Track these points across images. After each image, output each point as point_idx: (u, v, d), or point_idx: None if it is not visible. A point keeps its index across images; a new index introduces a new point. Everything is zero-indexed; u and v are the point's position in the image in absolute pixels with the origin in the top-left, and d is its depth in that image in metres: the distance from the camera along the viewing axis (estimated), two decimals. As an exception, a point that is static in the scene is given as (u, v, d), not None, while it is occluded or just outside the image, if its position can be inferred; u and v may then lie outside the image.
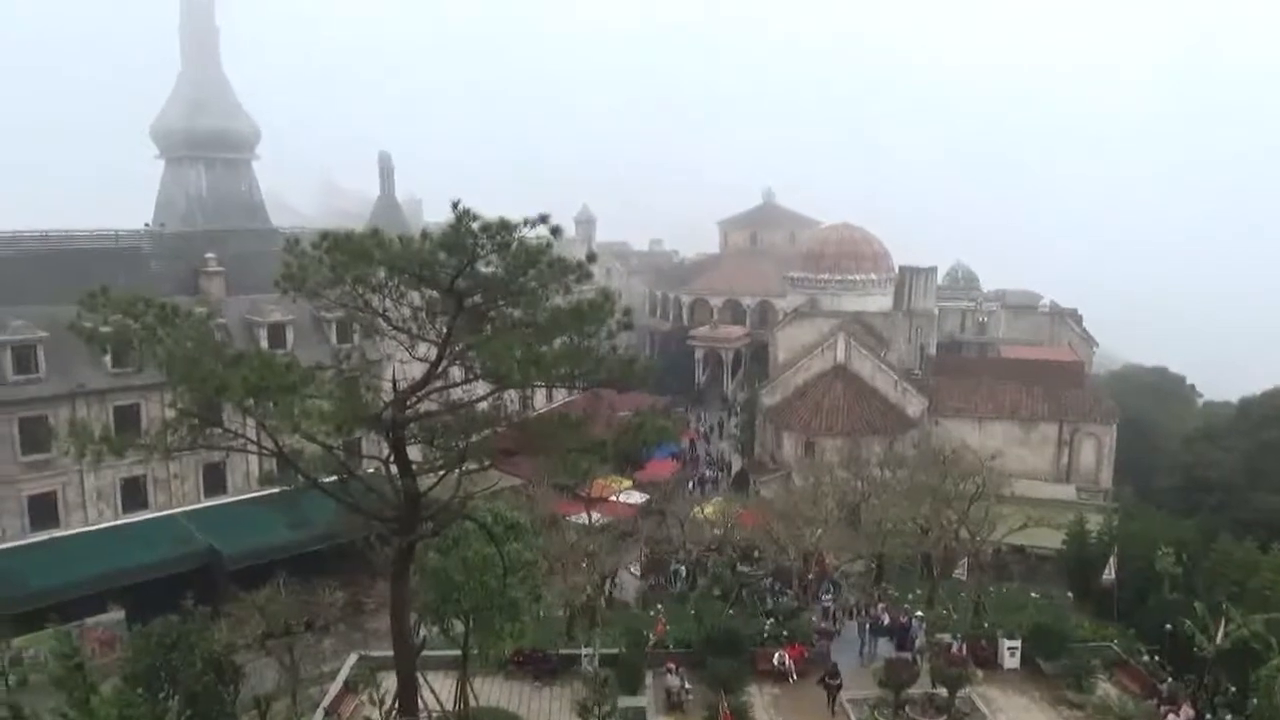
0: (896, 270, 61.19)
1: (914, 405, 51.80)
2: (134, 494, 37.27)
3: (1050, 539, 37.95)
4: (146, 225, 55.72)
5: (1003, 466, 41.52)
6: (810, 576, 36.17)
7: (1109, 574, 32.44)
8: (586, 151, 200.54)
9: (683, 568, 38.99)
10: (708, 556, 38.99)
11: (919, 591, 34.60)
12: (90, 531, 35.83)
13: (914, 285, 59.63)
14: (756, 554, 37.58)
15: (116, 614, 33.03)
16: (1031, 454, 50.44)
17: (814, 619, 32.06)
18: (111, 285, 17.64)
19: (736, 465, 58.39)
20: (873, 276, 59.54)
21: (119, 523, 36.59)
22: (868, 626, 30.64)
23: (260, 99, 66.34)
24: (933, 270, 62.00)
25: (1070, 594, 35.21)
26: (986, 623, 30.81)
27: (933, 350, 60.82)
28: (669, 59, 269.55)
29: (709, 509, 39.93)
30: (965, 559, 35.93)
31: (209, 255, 42.22)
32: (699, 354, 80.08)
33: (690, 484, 52.75)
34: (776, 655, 28.24)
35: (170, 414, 19.36)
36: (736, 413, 69.33)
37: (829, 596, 34.49)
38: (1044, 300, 73.54)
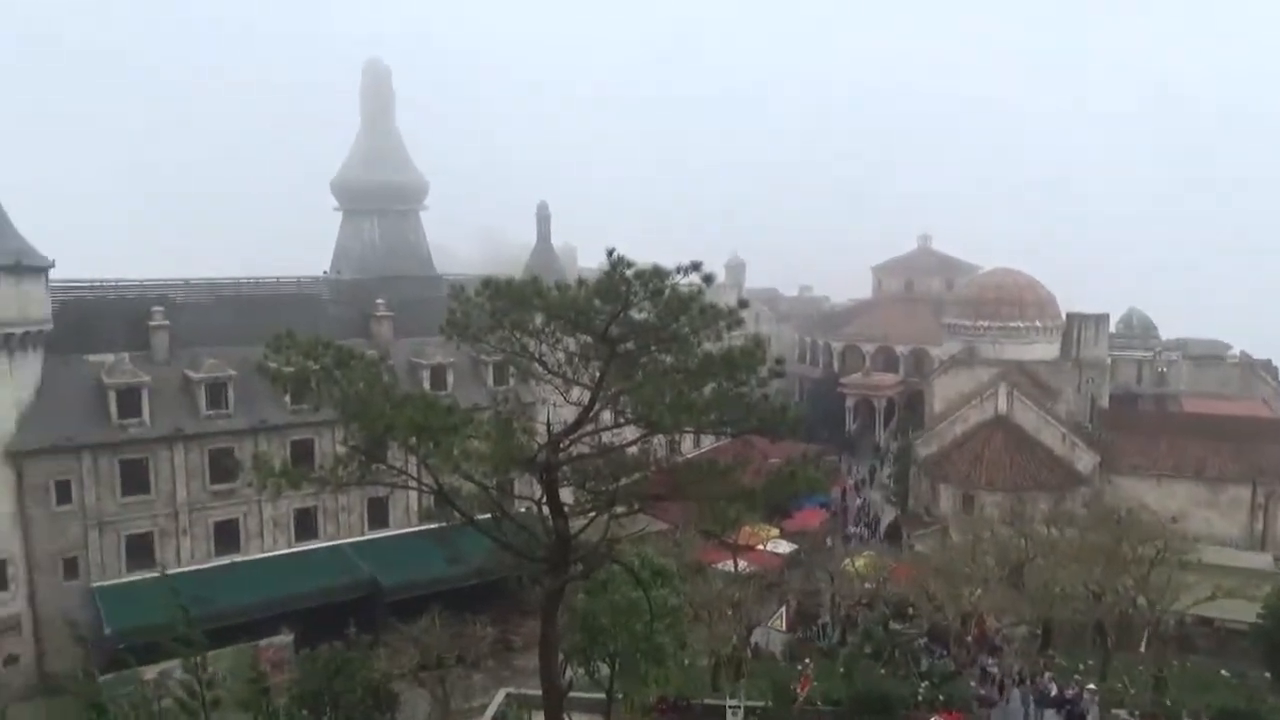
0: (1063, 317, 58.10)
1: (1084, 460, 48.73)
2: (306, 524, 39.67)
3: (1244, 611, 34.51)
4: (325, 272, 59.90)
5: (1186, 530, 38.26)
6: (969, 639, 34.31)
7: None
8: (738, 197, 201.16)
9: (831, 622, 37.81)
10: (858, 611, 37.66)
11: (1090, 662, 32.17)
12: (266, 558, 38.31)
13: (1083, 333, 56.37)
14: (911, 611, 36.00)
15: (287, 637, 34.97)
16: (1220, 517, 46.36)
17: (973, 684, 30.33)
18: (293, 328, 19.00)
19: (889, 517, 56.42)
20: (1037, 324, 56.74)
21: (291, 551, 38.98)
22: (1032, 697, 28.71)
23: (429, 153, 70.37)
24: (1104, 317, 58.50)
25: (1268, 674, 31.85)
26: (1168, 701, 28.25)
27: (1105, 402, 57.18)
28: (816, 108, 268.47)
29: (860, 562, 38.68)
30: (1144, 629, 33.18)
31: (379, 300, 44.82)
32: (850, 402, 78.30)
33: (840, 535, 51.32)
34: (931, 720, 26.88)
35: (341, 450, 20.53)
36: (889, 463, 67.16)
37: (992, 661, 32.57)
38: (1233, 350, 67.94)
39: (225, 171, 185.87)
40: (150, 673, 27.03)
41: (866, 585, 36.78)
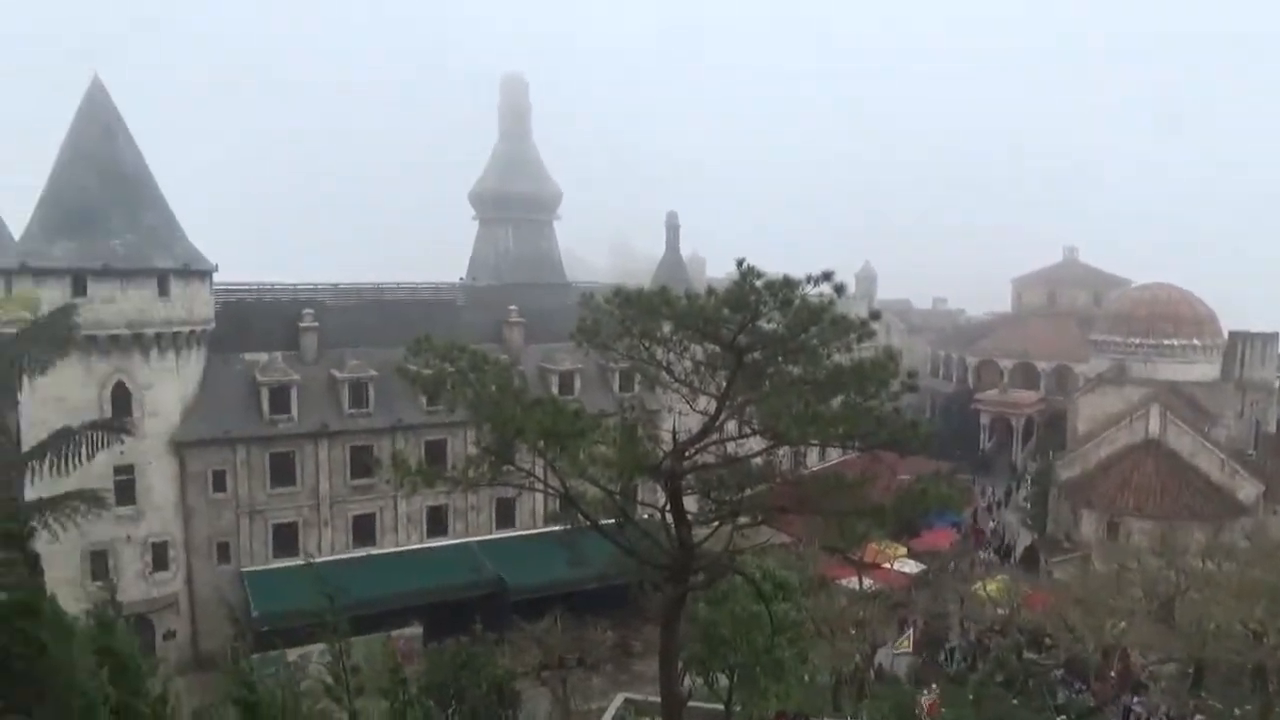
0: (1225, 336, 54.19)
1: (1246, 490, 45.29)
2: (437, 521, 41.11)
3: None
4: (461, 279, 62.02)
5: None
6: (1111, 674, 32.38)
7: None
8: (871, 207, 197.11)
9: (960, 647, 36.40)
10: (989, 638, 36.11)
11: (1248, 708, 29.81)
12: (399, 552, 39.87)
13: (1248, 353, 52.44)
14: (1047, 641, 34.24)
15: (416, 629, 36.26)
16: (1404, 558, 42.14)
17: (1114, 723, 28.63)
18: (431, 332, 19.77)
19: (1025, 541, 53.86)
20: (1194, 342, 53.10)
21: (422, 546, 40.45)
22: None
23: (563, 163, 72.04)
24: (1272, 337, 54.20)
25: None
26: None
27: (1272, 428, 52.96)
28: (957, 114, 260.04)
29: (992, 586, 37.08)
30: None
31: (512, 307, 46.04)
32: (985, 419, 75.27)
33: (971, 557, 49.35)
34: (1068, 758, 25.50)
35: (472, 451, 21.19)
36: (1026, 484, 64.16)
37: (1137, 700, 30.62)
38: None
39: (373, 183, 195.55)
40: (293, 655, 28.62)
41: (999, 611, 35.23)
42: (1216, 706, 30.03)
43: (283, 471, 38.29)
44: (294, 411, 38.44)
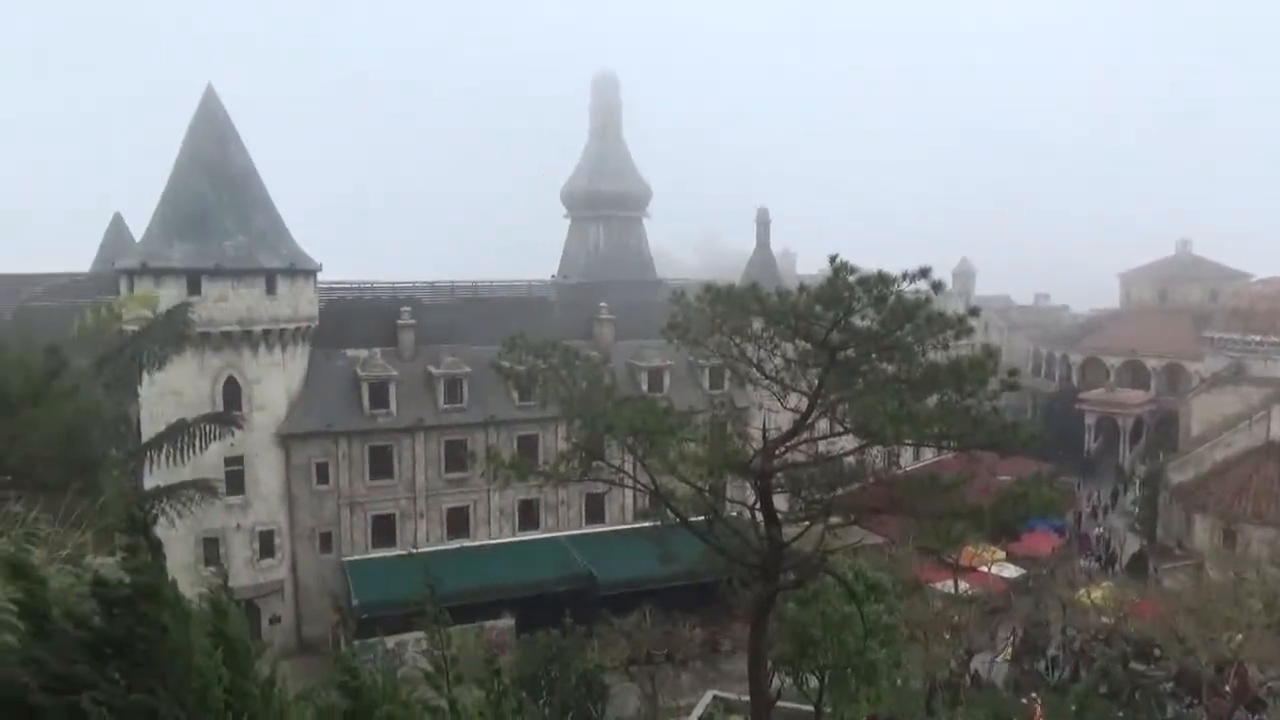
0: (1356, 333, 50.82)
1: (1378, 498, 42.37)
2: (528, 515, 41.79)
3: None
4: (553, 277, 62.82)
5: None
6: (1226, 688, 30.74)
7: None
8: (969, 204, 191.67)
9: (1061, 656, 35.10)
10: (1093, 647, 34.70)
11: (1381, 730, 27.95)
12: (491, 545, 40.68)
13: (1381, 352, 49.12)
14: (1156, 652, 32.74)
15: (508, 621, 36.93)
16: None
17: (1230, 741, 27.18)
18: (523, 329, 20.11)
19: (1132, 548, 51.59)
20: (1321, 340, 49.99)
21: (514, 540, 41.16)
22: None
23: (652, 161, 72.27)
24: None
25: None
26: None
27: None
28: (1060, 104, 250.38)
29: (1097, 593, 35.63)
30: None
31: (602, 304, 46.41)
32: (1090, 420, 72.35)
33: (1074, 563, 47.52)
34: (1179, 775, 24.33)
35: (564, 446, 21.44)
36: (1134, 488, 61.44)
37: (1254, 718, 29.02)
38: None
39: (469, 182, 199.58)
40: (390, 642, 29.47)
41: (1104, 619, 33.81)
42: (1345, 727, 28.24)
43: (381, 464, 39.50)
44: (392, 406, 39.58)
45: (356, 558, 38.36)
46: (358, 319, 42.09)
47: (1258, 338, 50.91)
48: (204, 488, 25.38)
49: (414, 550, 33.53)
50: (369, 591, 34.67)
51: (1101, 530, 56.10)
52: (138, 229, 41.43)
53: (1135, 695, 30.11)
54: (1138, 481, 60.77)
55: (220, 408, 34.36)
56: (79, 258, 52.48)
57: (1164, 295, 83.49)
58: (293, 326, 37.61)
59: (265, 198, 38.54)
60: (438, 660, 3.57)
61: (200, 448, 27.42)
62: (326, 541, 38.79)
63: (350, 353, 40.69)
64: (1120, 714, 27.84)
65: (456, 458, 39.87)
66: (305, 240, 39.46)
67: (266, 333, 36.74)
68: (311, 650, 35.84)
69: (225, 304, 35.68)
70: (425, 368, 41.16)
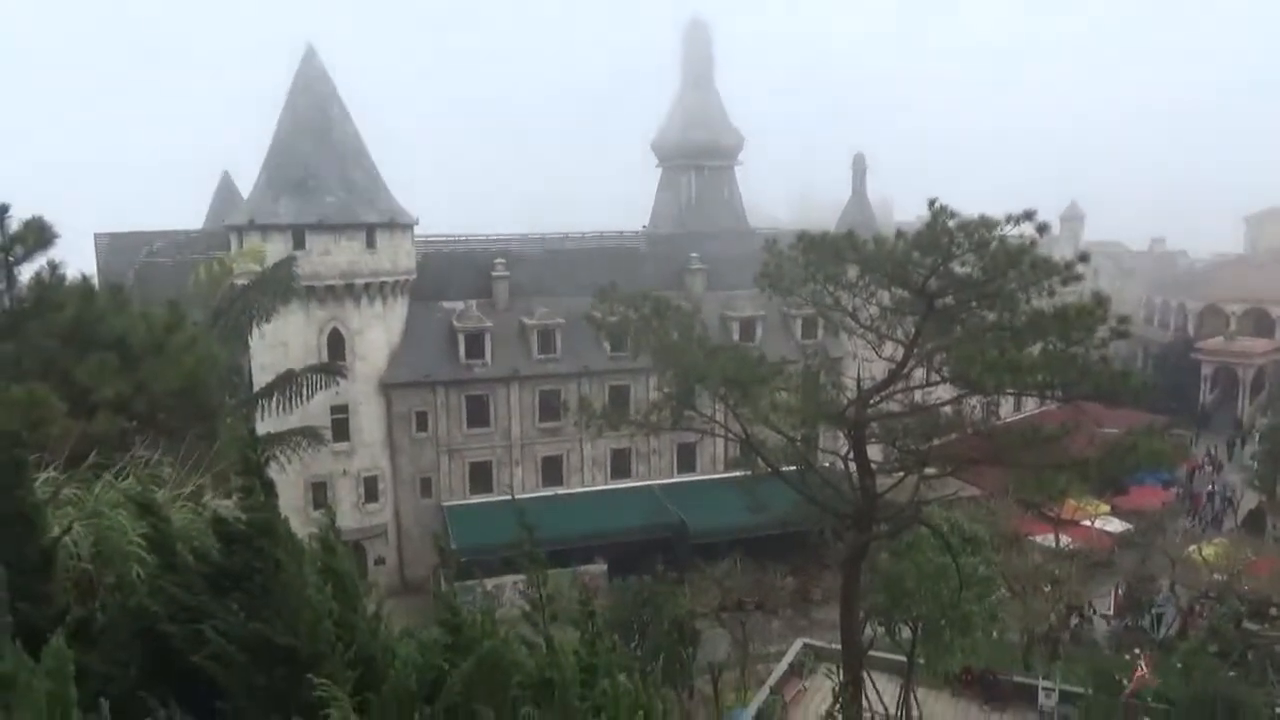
0: None
1: None
2: (620, 464, 42.36)
3: None
4: (644, 227, 62.66)
5: None
6: (1350, 651, 29.29)
7: None
8: (1081, 146, 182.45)
9: (1169, 613, 33.94)
10: (1203, 605, 33.44)
11: None
12: (584, 492, 41.45)
13: None
14: (1272, 612, 31.34)
15: (600, 566, 37.70)
16: None
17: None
18: (614, 280, 20.22)
19: (1250, 503, 49.24)
20: None
21: (606, 488, 41.84)
22: None
23: (747, 109, 70.95)
24: None
25: None
26: None
27: None
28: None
29: (1209, 549, 34.20)
30: None
31: (693, 254, 46.15)
32: (1206, 370, 68.82)
33: (1186, 518, 45.74)
34: (1294, 738, 23.41)
35: (655, 396, 21.59)
36: (1254, 441, 58.44)
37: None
38: None
39: (561, 133, 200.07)
40: (489, 584, 30.47)
41: (1216, 576, 32.46)
42: None
43: (478, 413, 40.52)
44: (488, 356, 40.43)
45: (455, 503, 39.63)
46: (453, 272, 42.91)
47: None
48: (311, 435, 26.51)
49: (512, 496, 34.40)
50: (468, 535, 35.81)
51: (1215, 485, 53.67)
52: (245, 186, 42.98)
53: (1247, 655, 28.90)
54: (1257, 435, 57.72)
55: (325, 358, 35.70)
56: (193, 215, 54.86)
57: (1292, 238, 78.36)
58: (392, 279, 38.62)
59: (364, 155, 39.43)
60: (534, 599, 3.67)
61: (307, 397, 28.60)
62: (427, 487, 40.17)
63: (447, 304, 41.60)
64: (1231, 674, 26.78)
65: (550, 407, 40.59)
66: (402, 196, 40.35)
67: (367, 285, 37.85)
68: (414, 591, 37.36)
69: (328, 258, 36.85)
70: (519, 319, 41.82)
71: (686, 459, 43.00)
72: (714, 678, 27.40)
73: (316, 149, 37.76)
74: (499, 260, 43.20)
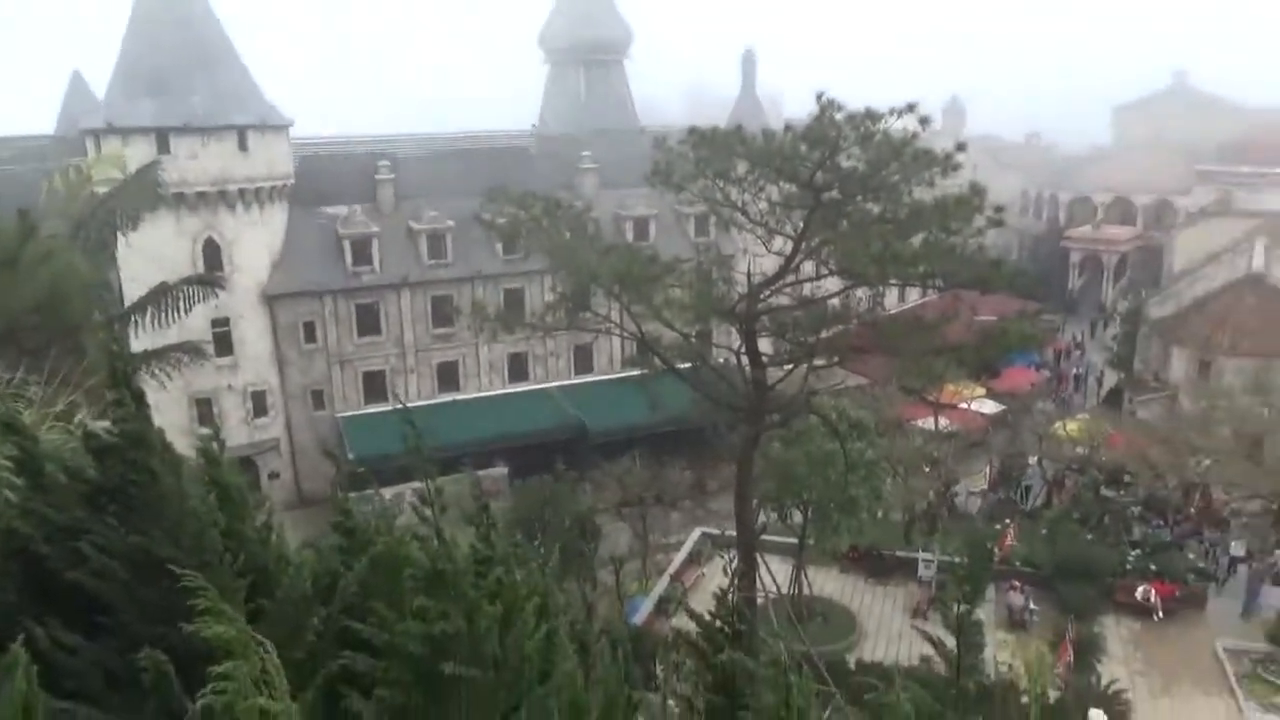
0: (1345, 162, 50.43)
1: (1352, 326, 43.13)
2: (517, 368, 42.29)
3: None
4: (534, 126, 61.04)
5: None
6: (1192, 510, 32.28)
7: None
8: (961, 37, 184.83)
9: (1036, 485, 36.56)
10: (1067, 476, 36.13)
11: (1337, 544, 29.52)
12: (482, 397, 41.34)
13: (1368, 181, 48.83)
14: (1126, 479, 34.13)
15: (501, 470, 37.97)
16: None
17: (1192, 557, 28.71)
18: (504, 182, 19.78)
19: (1110, 382, 52.84)
20: (1310, 170, 49.58)
21: (504, 392, 41.81)
22: (1261, 575, 26.87)
23: (635, 2, 68.89)
24: (1398, 162, 50.25)
25: None
26: None
27: (1386, 260, 49.80)
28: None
29: (1073, 425, 36.76)
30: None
31: (585, 154, 45.37)
32: (1074, 257, 72.49)
33: (1053, 398, 48.84)
34: (1141, 589, 25.82)
35: (550, 297, 21.49)
36: (1115, 323, 62.35)
37: (1217, 536, 30.59)
38: None
39: (444, 29, 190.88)
40: (388, 494, 30.34)
41: (1078, 450, 35.02)
42: (1300, 543, 29.79)
43: (368, 322, 39.58)
44: (376, 263, 39.28)
45: (350, 414, 38.98)
46: (335, 175, 41.07)
47: (1247, 169, 50.45)
48: (191, 350, 25.47)
49: (401, 402, 34.01)
50: (364, 445, 35.38)
51: (1079, 367, 57.30)
52: (99, 88, 39.72)
53: (1104, 519, 31.56)
54: (1118, 318, 61.58)
55: (201, 270, 34.06)
56: (42, 120, 50.55)
57: (1158, 130, 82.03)
58: (268, 184, 36.78)
59: (231, 52, 36.90)
60: (424, 493, 3.68)
61: (184, 310, 27.38)
62: (319, 399, 39.32)
63: (330, 210, 39.98)
64: (1089, 537, 29.22)
65: (443, 313, 39.96)
66: (275, 95, 38.10)
67: (242, 191, 35.96)
68: (312, 504, 36.93)
69: (196, 162, 34.74)
70: (407, 223, 40.59)
71: (584, 360, 43.22)
72: (616, 570, 28.29)
73: (177, 44, 35.06)
74: (383, 163, 41.54)
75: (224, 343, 36.32)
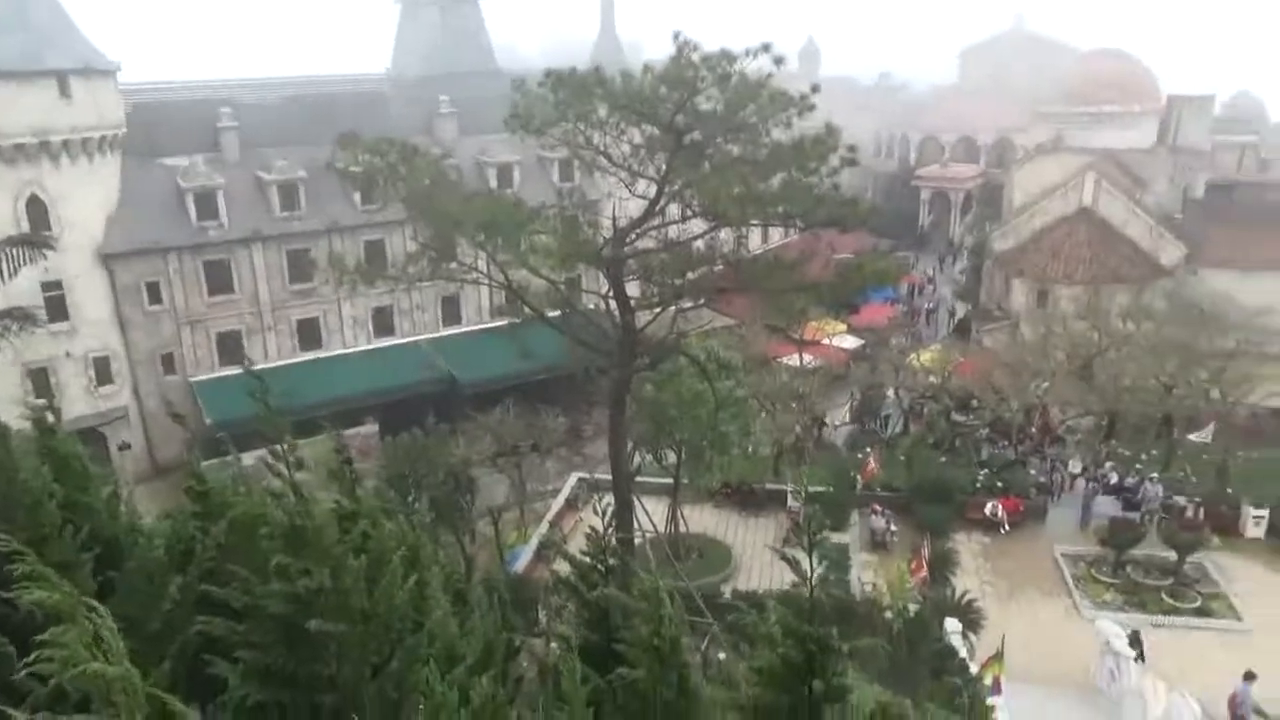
0: (1165, 101, 54.15)
1: (1169, 253, 46.88)
2: (383, 322, 41.11)
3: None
4: (387, 70, 58.58)
5: (1271, 323, 37.22)
6: (1033, 429, 34.73)
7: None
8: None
9: (894, 414, 38.50)
10: (922, 404, 38.20)
11: (1154, 452, 32.41)
12: (347, 354, 40.10)
13: (1183, 118, 52.67)
14: (975, 404, 36.36)
15: (371, 427, 37.12)
16: (1310, 311, 44.60)
17: (1033, 473, 30.97)
18: (358, 128, 18.95)
19: (959, 313, 55.87)
20: (1135, 109, 53.09)
21: (370, 347, 40.65)
22: (1094, 485, 29.29)
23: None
24: (1207, 100, 54.33)
25: (1339, 466, 31.69)
26: (1230, 489, 28.52)
27: (1199, 193, 54.19)
28: None
29: (926, 356, 38.76)
30: (1212, 421, 32.96)
31: (442, 98, 43.95)
32: (925, 195, 75.75)
33: (908, 331, 51.27)
34: (989, 506, 27.73)
35: (412, 248, 20.88)
36: (963, 257, 65.75)
37: (1054, 452, 33.09)
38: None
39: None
40: (249, 459, 29.21)
41: (931, 378, 37.00)
42: (1125, 453, 32.54)
43: (219, 279, 37.54)
44: (223, 217, 37.16)
45: (204, 377, 37.09)
46: (173, 124, 38.36)
47: (1079, 109, 53.57)
48: (21, 316, 23.63)
49: (249, 365, 32.52)
50: (222, 410, 33.75)
51: (930, 300, 60.29)
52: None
53: (956, 443, 33.62)
54: (965, 252, 64.91)
55: (26, 229, 31.41)
56: None
57: (999, 71, 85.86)
58: (97, 134, 34.05)
59: (40, -15, 33.67)
60: (277, 451, 3.56)
61: (8, 273, 25.31)
62: (170, 363, 37.18)
63: (169, 161, 37.42)
64: (943, 460, 31.08)
65: (301, 268, 38.27)
66: (99, 39, 35.12)
67: (67, 143, 33.18)
68: (168, 473, 35.16)
69: (14, 112, 31.77)
70: (255, 174, 38.47)
71: (452, 312, 42.41)
72: (494, 520, 28.26)
73: (-22, -20, 31.79)
74: (225, 110, 39.08)
75: (57, 307, 33.75)
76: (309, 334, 39.68)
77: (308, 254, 38.04)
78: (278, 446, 3.87)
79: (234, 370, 36.64)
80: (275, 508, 3.71)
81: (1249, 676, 17.82)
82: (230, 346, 37.80)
